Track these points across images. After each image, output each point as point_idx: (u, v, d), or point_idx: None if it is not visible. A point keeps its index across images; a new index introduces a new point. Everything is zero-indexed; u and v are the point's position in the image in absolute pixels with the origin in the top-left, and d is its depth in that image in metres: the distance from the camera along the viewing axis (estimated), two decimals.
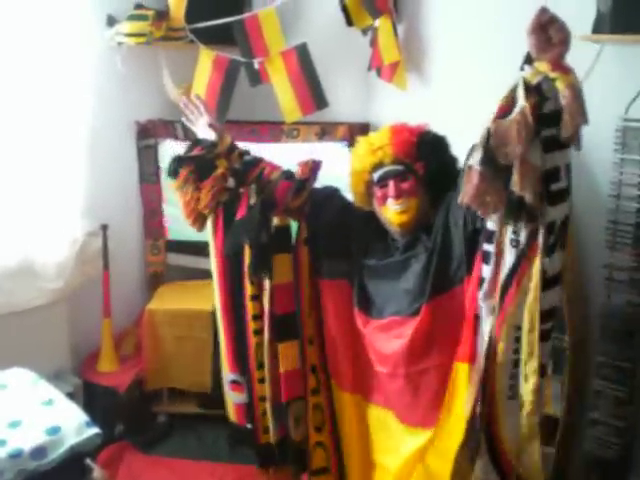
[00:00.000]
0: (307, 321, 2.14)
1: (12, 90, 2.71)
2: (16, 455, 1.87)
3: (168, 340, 3.03)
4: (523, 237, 1.60)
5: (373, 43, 2.81)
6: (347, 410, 2.14)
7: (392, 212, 2.00)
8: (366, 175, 2.05)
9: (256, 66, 2.93)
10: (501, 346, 1.68)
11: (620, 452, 2.22)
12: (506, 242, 1.64)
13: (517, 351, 1.66)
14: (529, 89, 1.49)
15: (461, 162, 2.02)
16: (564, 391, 2.24)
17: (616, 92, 2.16)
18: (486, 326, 1.72)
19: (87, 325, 3.06)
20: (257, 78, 2.95)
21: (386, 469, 2.06)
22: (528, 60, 1.56)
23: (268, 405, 2.19)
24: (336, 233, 2.13)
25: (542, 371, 1.64)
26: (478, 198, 1.56)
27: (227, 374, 2.28)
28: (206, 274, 2.31)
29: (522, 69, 1.55)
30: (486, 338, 1.72)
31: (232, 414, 2.34)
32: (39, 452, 1.91)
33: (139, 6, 2.92)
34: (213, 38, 2.94)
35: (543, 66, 1.51)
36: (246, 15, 2.92)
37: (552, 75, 1.49)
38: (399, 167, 2.00)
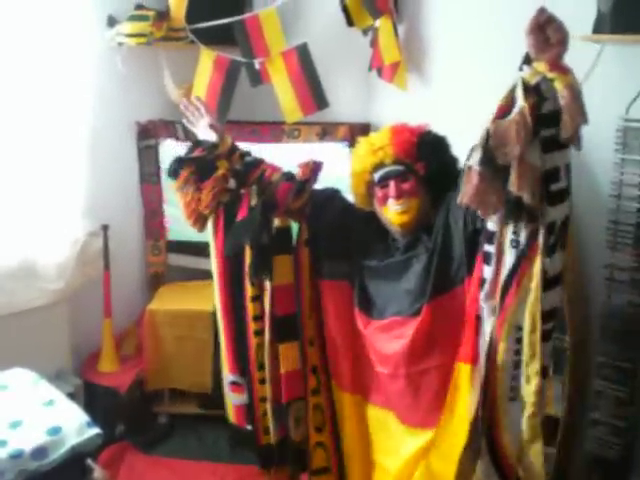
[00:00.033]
0: (308, 322, 2.14)
1: (13, 91, 2.71)
2: (17, 455, 1.87)
3: (169, 340, 3.03)
4: (523, 237, 1.60)
5: (373, 43, 2.81)
6: (347, 410, 2.14)
7: (393, 212, 2.00)
8: (367, 175, 2.05)
9: (257, 66, 2.93)
10: (502, 347, 1.68)
11: (621, 452, 2.21)
12: (506, 242, 1.64)
13: (518, 352, 1.65)
14: (528, 89, 1.50)
15: (462, 162, 2.03)
16: (565, 391, 2.24)
17: (617, 92, 2.16)
18: (487, 327, 1.72)
19: (88, 325, 3.06)
20: (258, 78, 2.95)
21: (386, 469, 2.06)
22: (527, 60, 1.56)
23: (268, 405, 2.19)
24: (337, 234, 2.12)
25: (544, 372, 1.64)
26: (477, 198, 1.56)
27: (227, 375, 2.28)
28: (207, 274, 2.31)
29: (521, 69, 1.55)
30: (487, 339, 1.72)
31: (232, 416, 2.34)
32: (40, 452, 1.91)
33: (140, 6, 2.92)
34: (214, 38, 2.94)
35: (541, 66, 1.51)
36: (247, 15, 2.92)
37: (550, 75, 1.49)
38: (400, 167, 2.00)
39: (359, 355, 2.10)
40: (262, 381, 2.18)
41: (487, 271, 1.71)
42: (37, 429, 1.97)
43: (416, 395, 1.95)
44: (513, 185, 1.51)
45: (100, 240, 2.98)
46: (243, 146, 2.23)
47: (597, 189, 2.27)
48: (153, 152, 3.18)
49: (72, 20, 2.79)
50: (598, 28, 2.13)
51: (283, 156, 2.90)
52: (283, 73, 2.90)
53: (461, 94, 2.60)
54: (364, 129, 2.88)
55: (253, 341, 2.17)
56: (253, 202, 2.11)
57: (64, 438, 1.97)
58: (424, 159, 1.99)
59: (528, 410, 1.64)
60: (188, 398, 3.10)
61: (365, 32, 2.84)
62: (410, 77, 2.80)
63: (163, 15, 2.91)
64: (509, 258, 1.64)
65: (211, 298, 2.33)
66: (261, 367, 2.17)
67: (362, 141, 2.10)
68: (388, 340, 1.99)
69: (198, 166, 2.12)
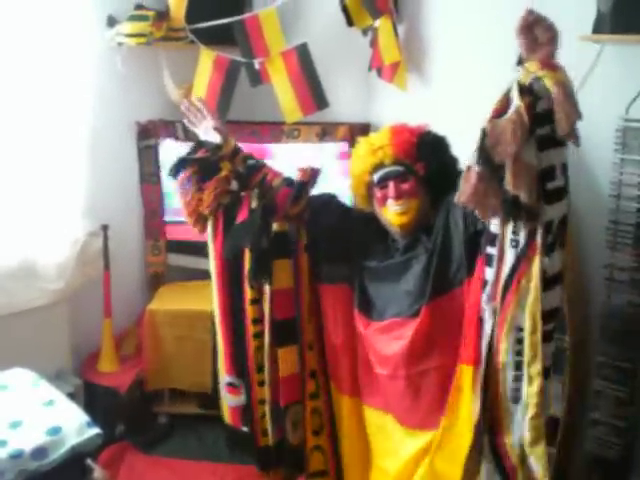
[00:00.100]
0: (307, 327, 2.14)
1: (13, 91, 2.71)
2: (17, 455, 1.87)
3: (169, 340, 3.03)
4: (522, 237, 1.60)
5: (373, 43, 2.81)
6: (346, 413, 2.14)
7: (392, 213, 2.00)
8: (366, 176, 2.05)
9: (256, 66, 2.93)
10: (502, 347, 1.68)
11: (621, 452, 2.21)
12: (506, 243, 1.64)
13: (519, 353, 1.65)
14: (523, 90, 1.50)
15: (462, 163, 2.03)
16: (565, 391, 2.23)
17: (616, 92, 2.16)
18: (487, 327, 1.72)
19: (88, 325, 3.06)
20: (257, 78, 2.95)
21: (385, 471, 2.06)
22: (520, 61, 1.57)
23: (267, 408, 2.19)
24: (336, 237, 2.13)
25: (546, 373, 1.64)
26: (475, 198, 1.56)
27: (224, 376, 2.28)
28: (207, 275, 2.31)
29: (517, 69, 1.56)
30: (487, 339, 1.72)
31: (228, 417, 2.34)
32: (40, 452, 1.91)
33: (139, 7, 2.92)
34: (213, 38, 2.94)
35: (533, 66, 1.52)
36: (246, 15, 2.92)
37: (540, 74, 1.50)
38: (399, 168, 2.00)
39: (359, 357, 2.10)
40: (261, 383, 2.18)
41: (489, 273, 1.71)
42: (37, 429, 1.97)
43: (415, 396, 1.95)
44: (509, 184, 1.51)
45: (100, 240, 2.98)
46: (243, 148, 2.23)
47: (597, 189, 2.27)
48: (153, 152, 3.18)
49: (72, 20, 2.78)
50: (598, 28, 2.13)
51: (283, 156, 2.93)
52: (283, 73, 2.90)
53: (461, 94, 2.60)
54: (364, 129, 2.88)
55: (252, 344, 2.17)
56: (253, 205, 2.12)
57: (64, 438, 1.97)
58: (424, 159, 1.99)
59: (531, 411, 1.64)
60: (188, 398, 3.10)
61: (365, 32, 2.84)
62: (410, 77, 2.80)
63: (163, 15, 2.91)
64: (509, 258, 1.64)
65: (211, 298, 2.33)
66: (260, 369, 2.17)
67: (362, 141, 2.10)
68: (388, 341, 1.99)
69: (201, 167, 2.12)
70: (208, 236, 2.22)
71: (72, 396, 2.61)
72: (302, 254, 2.13)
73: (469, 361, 1.80)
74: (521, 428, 1.68)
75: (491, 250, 1.69)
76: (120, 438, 2.90)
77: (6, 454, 1.86)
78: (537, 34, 1.53)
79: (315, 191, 2.16)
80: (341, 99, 2.99)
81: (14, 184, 2.78)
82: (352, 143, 2.27)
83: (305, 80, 2.89)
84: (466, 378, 1.81)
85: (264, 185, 2.11)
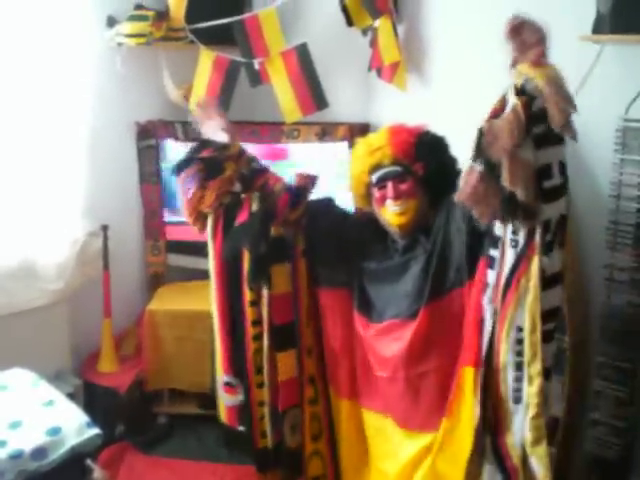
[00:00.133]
0: (305, 332, 2.15)
1: (12, 91, 2.71)
2: (17, 456, 1.87)
3: (168, 341, 3.03)
4: (522, 237, 1.60)
5: (373, 43, 2.81)
6: (344, 416, 2.14)
7: (391, 213, 2.00)
8: (365, 176, 2.05)
9: (256, 66, 2.93)
10: (503, 347, 1.68)
11: (621, 452, 2.21)
12: (506, 243, 1.64)
13: (520, 353, 1.65)
14: (518, 91, 1.53)
15: (461, 163, 2.03)
16: (564, 391, 2.23)
17: (616, 92, 2.16)
18: (488, 328, 1.72)
19: (87, 326, 3.06)
20: (257, 78, 2.95)
21: (385, 474, 2.06)
22: (514, 65, 1.60)
23: (266, 409, 2.19)
24: (333, 241, 2.13)
25: (547, 373, 1.64)
26: (474, 197, 1.57)
27: (221, 376, 2.28)
28: (206, 275, 2.30)
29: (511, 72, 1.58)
30: (486, 339, 1.72)
31: (224, 416, 2.34)
32: (39, 453, 1.91)
33: (139, 7, 2.92)
34: (213, 38, 2.94)
35: (524, 67, 1.54)
36: (246, 15, 2.92)
37: (532, 74, 1.52)
38: (398, 168, 2.00)
39: (357, 360, 2.10)
40: (260, 385, 2.18)
41: (491, 275, 1.71)
42: (37, 429, 1.97)
43: (415, 398, 1.95)
44: (506, 180, 1.51)
45: (100, 240, 2.98)
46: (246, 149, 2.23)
47: (596, 189, 2.27)
48: (153, 152, 3.17)
49: (72, 20, 2.79)
50: (598, 28, 2.13)
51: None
52: (282, 73, 2.90)
53: (461, 94, 2.60)
54: (363, 129, 2.88)
55: (252, 345, 2.17)
56: (254, 208, 2.12)
57: (64, 438, 1.97)
58: (422, 159, 1.99)
59: (531, 411, 1.64)
60: (188, 398, 3.10)
61: (364, 32, 2.84)
62: (410, 77, 2.80)
63: (163, 15, 2.91)
64: (509, 258, 1.64)
65: (211, 298, 2.32)
66: (259, 371, 2.17)
67: (360, 142, 2.11)
68: (387, 343, 1.99)
69: (206, 165, 2.12)
70: (208, 236, 2.22)
71: (72, 396, 2.61)
72: (300, 259, 2.14)
73: (471, 363, 1.79)
74: (522, 428, 1.68)
75: (494, 252, 1.69)
76: (120, 438, 2.90)
77: (6, 454, 1.86)
78: (525, 37, 1.54)
79: (315, 194, 2.16)
80: (341, 99, 2.99)
81: (14, 184, 2.78)
82: (352, 143, 2.27)
83: (305, 80, 2.89)
84: (468, 380, 1.81)
85: (266, 189, 2.11)
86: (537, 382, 1.62)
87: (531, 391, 1.64)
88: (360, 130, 2.86)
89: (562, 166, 1.58)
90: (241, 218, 2.14)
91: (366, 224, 2.12)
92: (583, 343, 2.30)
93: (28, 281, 2.78)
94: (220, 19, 2.87)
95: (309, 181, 2.12)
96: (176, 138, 3.12)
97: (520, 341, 1.65)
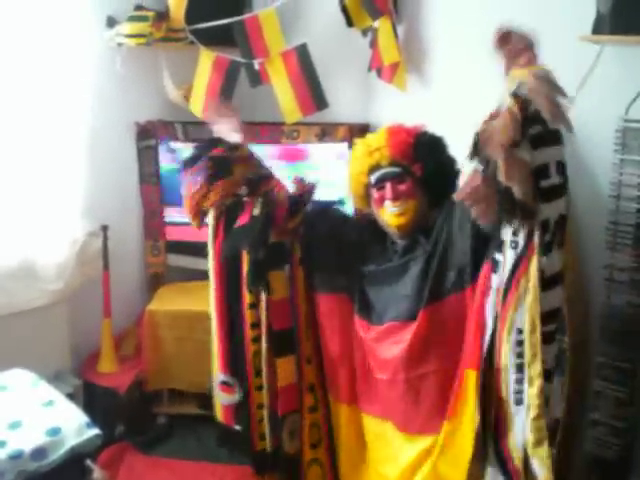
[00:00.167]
0: (305, 340, 2.14)
1: (12, 91, 2.71)
2: (16, 456, 1.87)
3: (168, 341, 3.03)
4: (521, 238, 1.60)
5: (373, 44, 2.81)
6: (344, 422, 2.13)
7: (390, 214, 2.00)
8: (364, 177, 2.05)
9: (256, 67, 2.93)
10: (504, 349, 1.68)
11: (620, 453, 2.21)
12: (506, 244, 1.64)
13: (520, 355, 1.65)
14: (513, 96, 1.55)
15: (460, 163, 2.03)
16: (564, 392, 2.23)
17: (616, 93, 2.16)
18: (490, 330, 1.72)
19: (87, 326, 3.05)
20: (257, 79, 2.95)
21: (385, 478, 2.05)
22: (507, 72, 1.62)
23: (265, 412, 2.18)
24: (333, 246, 2.13)
25: (547, 375, 1.63)
26: (473, 196, 1.57)
27: (218, 374, 2.27)
28: (206, 275, 2.30)
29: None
30: (487, 341, 1.72)
31: (220, 414, 2.33)
32: (39, 453, 1.91)
33: (139, 7, 2.92)
34: (213, 39, 2.94)
35: (516, 72, 1.57)
36: (246, 16, 2.92)
37: (523, 77, 1.54)
38: (396, 169, 2.00)
39: (357, 364, 2.10)
40: (259, 388, 2.18)
41: (495, 279, 1.71)
42: (36, 430, 1.97)
43: (415, 401, 1.94)
44: (502, 175, 1.52)
45: (99, 240, 2.97)
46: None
47: (596, 190, 2.27)
48: (152, 152, 3.17)
49: (72, 21, 2.79)
50: (597, 29, 2.13)
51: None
52: (282, 74, 2.90)
53: (461, 95, 2.60)
54: (363, 130, 2.88)
55: (251, 348, 2.17)
56: (256, 212, 2.11)
57: (63, 439, 1.97)
58: (421, 160, 1.99)
59: (532, 412, 1.64)
60: (187, 398, 3.10)
61: (364, 33, 2.84)
62: (409, 78, 2.80)
63: (162, 16, 2.90)
64: (509, 259, 1.64)
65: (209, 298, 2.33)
66: (258, 374, 2.17)
67: (359, 143, 2.11)
68: (387, 345, 1.99)
69: (215, 164, 2.10)
70: (209, 236, 2.21)
71: (71, 396, 2.60)
72: (297, 267, 2.14)
73: (473, 366, 1.79)
74: (524, 430, 1.67)
75: (498, 256, 1.69)
76: (119, 439, 2.90)
77: (6, 455, 1.86)
78: (513, 45, 1.58)
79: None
80: (341, 100, 2.99)
81: (14, 184, 2.78)
82: (352, 144, 2.27)
83: (305, 81, 2.88)
84: (470, 382, 1.80)
85: (269, 195, 2.11)
86: (537, 383, 1.62)
87: (532, 392, 1.64)
88: (360, 131, 2.86)
89: (561, 166, 1.58)
90: (242, 220, 2.14)
91: (365, 226, 2.12)
92: (583, 343, 2.30)
93: (28, 281, 2.78)
94: (220, 19, 2.86)
95: (307, 190, 2.12)
96: (176, 138, 3.12)
97: (520, 343, 1.65)
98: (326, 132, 3.01)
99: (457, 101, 2.60)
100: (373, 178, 2.03)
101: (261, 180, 2.13)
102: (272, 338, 2.12)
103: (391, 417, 2.02)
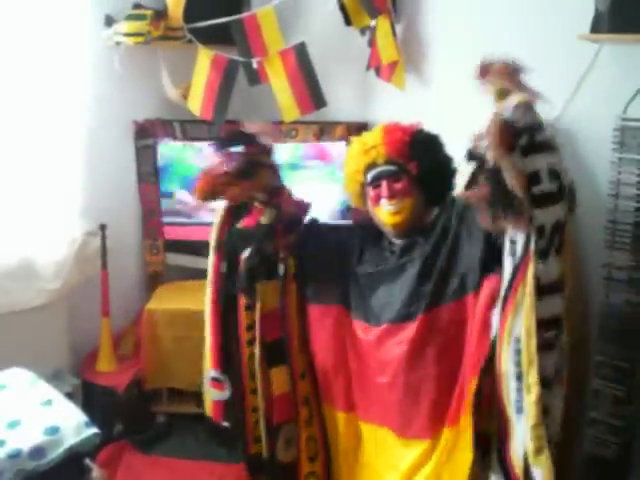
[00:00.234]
0: (298, 356, 2.14)
1: (9, 89, 2.71)
2: (15, 455, 1.87)
3: (167, 340, 3.03)
4: (520, 245, 1.60)
5: (371, 43, 2.81)
6: (342, 430, 2.12)
7: (385, 212, 2.00)
8: (360, 176, 2.05)
9: (255, 66, 2.92)
10: (503, 357, 1.68)
11: (619, 451, 2.21)
12: (505, 252, 1.64)
13: (519, 364, 1.65)
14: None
15: (456, 161, 2.03)
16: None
17: (614, 91, 2.16)
18: (491, 337, 1.72)
19: (86, 325, 3.05)
20: (256, 78, 2.94)
21: None
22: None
23: (261, 415, 2.18)
24: (329, 255, 2.13)
25: (547, 382, 1.63)
26: (478, 196, 1.58)
27: (209, 370, 2.27)
28: (205, 274, 2.30)
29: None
30: (489, 348, 1.72)
31: (209, 410, 2.33)
32: (38, 452, 1.91)
33: (137, 6, 2.92)
34: (212, 38, 2.94)
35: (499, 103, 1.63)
36: (245, 14, 2.92)
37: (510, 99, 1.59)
38: (392, 167, 2.00)
39: (354, 371, 2.08)
40: (254, 391, 2.18)
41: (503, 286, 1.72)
42: (35, 429, 1.97)
43: (414, 405, 1.93)
44: (490, 155, 1.54)
45: (98, 239, 2.97)
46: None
47: (595, 188, 2.27)
48: (151, 152, 3.17)
49: (70, 19, 2.79)
50: (596, 27, 2.13)
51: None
52: (281, 72, 2.90)
53: (459, 94, 2.58)
54: (362, 128, 2.86)
55: (246, 350, 2.17)
56: (263, 220, 2.11)
57: (62, 438, 1.96)
58: (417, 158, 1.99)
59: (531, 420, 1.63)
60: (186, 397, 3.09)
61: (363, 31, 2.84)
62: (408, 77, 2.79)
63: (161, 14, 2.90)
64: (508, 267, 1.64)
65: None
66: (253, 377, 2.17)
67: (355, 141, 2.10)
68: (386, 347, 1.98)
69: (246, 161, 2.08)
70: (213, 229, 2.21)
71: (70, 396, 2.60)
72: (291, 281, 2.14)
73: (477, 372, 1.78)
74: (524, 438, 1.67)
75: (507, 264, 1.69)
76: (118, 437, 2.90)
77: (4, 454, 1.86)
78: (496, 74, 1.64)
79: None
80: (339, 98, 2.99)
81: (12, 184, 2.78)
82: (349, 143, 2.27)
83: (303, 79, 2.88)
84: (474, 389, 1.79)
85: (279, 207, 2.10)
86: (535, 391, 1.61)
87: (529, 400, 1.63)
88: (358, 129, 2.84)
89: (554, 173, 1.58)
90: (245, 222, 2.13)
91: (361, 228, 2.12)
92: (581, 342, 2.30)
93: (26, 280, 2.78)
94: (218, 18, 2.86)
95: (302, 209, 2.14)
96: (174, 137, 3.12)
97: (519, 352, 1.64)
98: (324, 131, 3.01)
99: (455, 100, 2.59)
100: (369, 176, 2.03)
101: (277, 190, 2.13)
102: (265, 349, 2.12)
103: (388, 423, 2.01)
